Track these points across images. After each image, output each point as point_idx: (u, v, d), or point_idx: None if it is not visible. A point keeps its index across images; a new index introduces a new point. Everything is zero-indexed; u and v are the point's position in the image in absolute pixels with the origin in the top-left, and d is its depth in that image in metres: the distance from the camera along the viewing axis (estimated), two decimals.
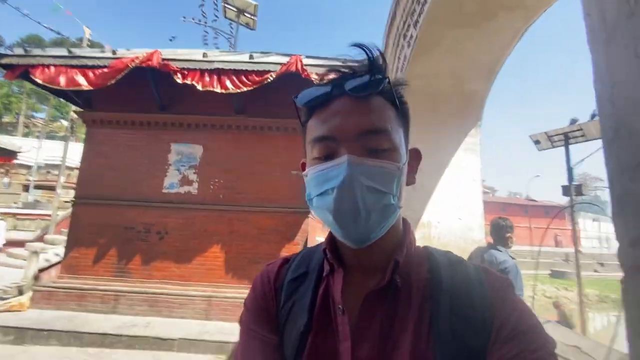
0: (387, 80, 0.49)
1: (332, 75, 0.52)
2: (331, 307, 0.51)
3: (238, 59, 5.40)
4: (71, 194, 6.60)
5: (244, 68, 5.20)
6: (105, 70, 5.18)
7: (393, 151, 0.48)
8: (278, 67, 5.13)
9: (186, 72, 5.21)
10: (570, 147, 9.50)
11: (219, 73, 5.20)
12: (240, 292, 5.62)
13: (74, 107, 7.80)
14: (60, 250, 6.43)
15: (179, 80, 5.15)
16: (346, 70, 0.51)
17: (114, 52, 5.61)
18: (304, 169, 0.55)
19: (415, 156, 0.56)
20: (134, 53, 5.50)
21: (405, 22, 3.48)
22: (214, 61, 5.30)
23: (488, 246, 3.07)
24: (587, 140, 9.82)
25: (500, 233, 3.00)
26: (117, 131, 6.30)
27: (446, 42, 3.19)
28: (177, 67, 5.17)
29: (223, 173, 6.16)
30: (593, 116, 9.31)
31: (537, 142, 10.27)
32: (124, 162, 6.19)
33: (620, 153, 1.13)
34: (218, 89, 5.10)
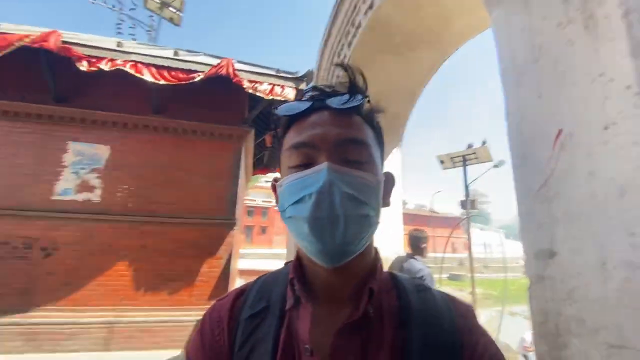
0: (367, 99, 0.50)
1: (312, 93, 0.52)
2: (295, 347, 0.45)
3: (161, 54, 4.91)
4: None
5: (166, 64, 4.74)
6: None
7: (372, 165, 0.48)
8: (206, 68, 4.82)
9: (94, 60, 4.50)
10: (468, 167, 11.15)
11: (136, 64, 4.63)
12: (151, 314, 4.95)
13: None
14: None
15: (84, 68, 4.41)
16: (327, 90, 0.51)
17: None
18: (274, 191, 0.52)
19: (390, 180, 0.54)
20: (25, 30, 4.54)
21: (340, 41, 3.64)
22: (130, 53, 4.71)
23: (407, 256, 3.32)
24: (479, 162, 11.68)
25: (417, 244, 3.28)
26: None
27: (375, 65, 3.44)
28: (82, 54, 4.43)
29: (135, 179, 5.43)
30: (483, 142, 11.16)
31: (442, 162, 11.81)
32: (0, 160, 4.99)
33: (525, 178, 1.33)
34: (131, 70, 4.49)
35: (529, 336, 5.99)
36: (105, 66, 4.46)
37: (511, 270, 21.64)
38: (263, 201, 35.24)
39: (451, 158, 11.62)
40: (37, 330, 4.55)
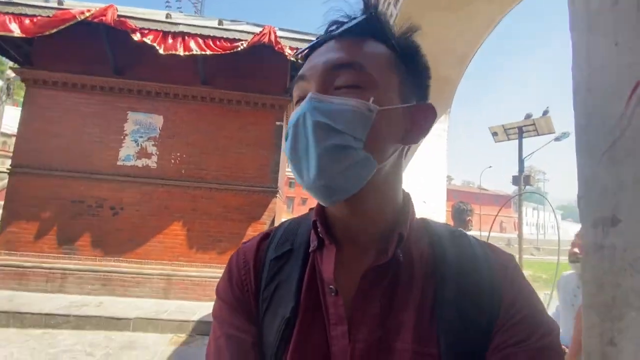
0: (371, 19, 0.44)
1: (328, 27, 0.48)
2: (320, 288, 0.45)
3: (206, 24, 5.01)
4: (7, 163, 5.86)
5: (211, 34, 4.84)
6: (46, 18, 4.53)
7: (365, 90, 0.41)
8: (249, 37, 4.84)
9: (146, 32, 4.74)
10: (524, 140, 10.22)
11: (184, 36, 4.79)
12: (202, 271, 5.46)
13: (10, 64, 6.82)
14: None
15: (137, 39, 4.67)
16: (342, 19, 0.46)
17: (60, 2, 4.93)
18: None
19: (425, 113, 0.46)
20: (85, 6, 4.87)
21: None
22: (179, 24, 4.87)
23: None
24: (537, 135, 10.62)
25: (461, 216, 3.16)
26: (63, 94, 5.64)
27: (424, 23, 3.18)
28: (136, 26, 4.67)
29: (185, 147, 5.81)
30: (545, 112, 10.05)
31: (494, 134, 10.92)
32: (73, 129, 5.60)
33: (590, 139, 1.19)
34: (181, 52, 4.69)
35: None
36: (159, 48, 4.68)
37: (566, 254, 20.08)
38: None
39: (505, 130, 10.68)
40: (110, 277, 5.27)
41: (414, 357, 0.39)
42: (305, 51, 0.49)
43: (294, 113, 0.42)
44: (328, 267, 0.44)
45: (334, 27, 0.46)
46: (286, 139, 0.44)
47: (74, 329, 4.24)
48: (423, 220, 0.51)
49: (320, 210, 0.49)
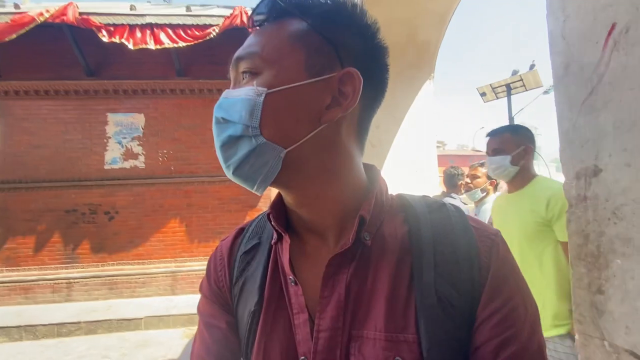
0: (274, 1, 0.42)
1: None
2: (282, 280, 0.45)
3: (173, 12, 4.78)
4: None
5: (181, 22, 4.63)
6: (3, 24, 4.30)
7: (258, 75, 0.40)
8: (221, 21, 4.64)
9: (112, 29, 4.52)
10: (513, 97, 10.15)
11: (152, 28, 4.59)
12: (206, 263, 5.51)
13: None
14: None
15: (105, 39, 4.47)
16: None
17: (16, 6, 4.66)
18: None
19: (351, 82, 0.41)
20: (44, 7, 4.61)
21: None
22: (144, 15, 4.64)
23: (442, 194, 3.23)
24: (526, 90, 10.55)
25: (452, 181, 3.17)
26: (38, 102, 5.45)
27: None
28: (100, 23, 4.45)
29: (172, 143, 5.70)
30: (532, 66, 9.93)
31: (483, 94, 10.84)
32: (53, 138, 5.46)
33: (569, 89, 1.16)
34: (152, 46, 4.51)
35: None
36: (128, 43, 4.48)
37: None
38: None
39: (493, 89, 10.60)
40: (115, 280, 5.31)
41: (387, 346, 0.37)
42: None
43: None
44: (285, 258, 0.44)
45: (250, 20, 0.46)
46: None
47: (86, 334, 4.31)
48: (399, 195, 0.48)
49: (277, 202, 0.47)
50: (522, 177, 1.61)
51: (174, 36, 4.57)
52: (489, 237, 0.41)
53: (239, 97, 0.40)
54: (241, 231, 0.54)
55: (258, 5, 0.43)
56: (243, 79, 0.42)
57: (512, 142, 1.62)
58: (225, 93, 0.43)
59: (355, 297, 0.40)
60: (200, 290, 0.53)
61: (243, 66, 0.42)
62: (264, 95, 0.39)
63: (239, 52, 0.43)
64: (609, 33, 1.02)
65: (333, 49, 0.41)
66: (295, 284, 0.42)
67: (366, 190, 0.45)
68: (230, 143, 0.40)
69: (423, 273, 0.38)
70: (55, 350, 3.94)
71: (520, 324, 0.37)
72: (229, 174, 0.42)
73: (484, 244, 0.40)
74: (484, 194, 2.65)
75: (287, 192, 0.44)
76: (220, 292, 0.50)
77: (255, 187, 0.42)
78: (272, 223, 0.45)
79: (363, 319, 0.39)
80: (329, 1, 0.42)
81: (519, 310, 0.37)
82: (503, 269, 0.39)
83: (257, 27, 0.44)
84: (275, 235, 0.47)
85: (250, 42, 0.43)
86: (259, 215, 0.54)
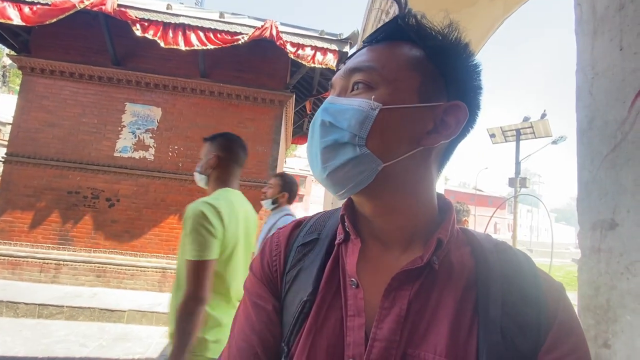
0: (394, 23, 0.45)
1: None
2: (341, 279, 0.46)
3: (207, 16, 4.95)
4: (2, 152, 5.78)
5: (212, 27, 4.79)
6: (46, 7, 4.46)
7: (374, 89, 0.42)
8: (251, 31, 4.80)
9: (146, 24, 4.67)
10: (521, 143, 10.27)
11: (184, 29, 4.74)
12: None
13: (7, 51, 6.67)
14: None
15: (139, 33, 4.62)
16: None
17: None
18: None
19: (455, 114, 0.44)
20: None
21: None
22: (179, 15, 4.81)
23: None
24: (535, 138, 10.69)
25: (457, 216, 3.18)
26: (61, 83, 5.57)
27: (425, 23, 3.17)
28: (136, 17, 4.62)
29: (183, 140, 5.77)
30: (543, 115, 10.12)
31: (492, 135, 10.98)
32: (69, 119, 5.54)
33: (592, 142, 1.20)
34: (182, 47, 4.65)
35: None
36: (160, 42, 4.62)
37: (558, 256, 20.26)
38: (300, 169, 35.84)
39: (503, 132, 10.75)
40: (104, 268, 5.24)
41: None
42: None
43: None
44: (352, 260, 0.45)
45: (368, 37, 0.48)
46: None
47: (67, 319, 4.22)
48: (463, 229, 0.50)
49: (349, 204, 0.50)
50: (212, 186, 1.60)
51: (204, 39, 4.71)
52: (557, 289, 0.42)
53: (351, 106, 0.42)
54: (299, 224, 0.56)
55: (382, 27, 0.46)
56: (354, 89, 0.44)
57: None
58: (331, 99, 0.45)
59: (416, 315, 0.40)
60: (251, 269, 0.55)
61: (358, 77, 0.44)
62: (377, 109, 0.41)
63: (354, 63, 0.45)
64: (637, 95, 1.07)
65: (443, 80, 0.45)
66: (357, 286, 0.43)
67: (436, 214, 0.47)
68: (333, 147, 0.42)
69: (489, 308, 0.39)
70: (33, 331, 3.85)
71: None
72: (320, 175, 0.43)
73: (552, 294, 0.41)
74: (275, 205, 2.63)
75: (368, 201, 0.46)
76: (271, 276, 0.51)
77: (343, 192, 0.43)
78: (346, 224, 0.48)
79: (420, 340, 0.39)
80: (445, 35, 0.45)
81: (576, 353, 0.38)
82: (570, 322, 0.40)
83: (366, 44, 0.48)
84: (342, 236, 0.48)
85: (366, 57, 0.45)
86: (318, 213, 0.58)
